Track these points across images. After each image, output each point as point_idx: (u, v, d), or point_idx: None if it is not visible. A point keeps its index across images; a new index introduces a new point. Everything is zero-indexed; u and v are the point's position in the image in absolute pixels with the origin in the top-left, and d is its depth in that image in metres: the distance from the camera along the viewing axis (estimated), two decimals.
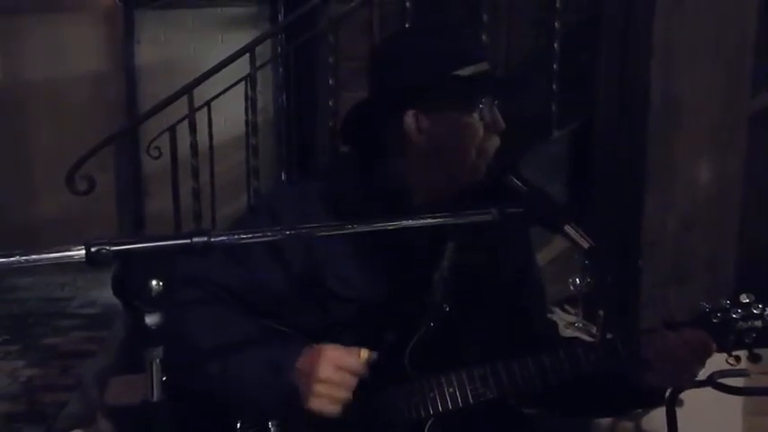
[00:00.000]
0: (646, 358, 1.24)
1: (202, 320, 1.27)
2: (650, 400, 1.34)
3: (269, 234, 0.95)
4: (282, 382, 1.18)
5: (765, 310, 1.27)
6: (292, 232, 0.97)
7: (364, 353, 1.18)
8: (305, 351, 1.19)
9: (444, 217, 1.27)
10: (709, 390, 1.61)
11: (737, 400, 2.04)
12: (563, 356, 1.25)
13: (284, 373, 1.18)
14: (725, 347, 1.28)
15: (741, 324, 1.27)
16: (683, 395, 1.65)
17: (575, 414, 1.54)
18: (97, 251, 0.76)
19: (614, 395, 1.34)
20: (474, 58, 1.32)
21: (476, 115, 1.29)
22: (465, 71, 1.30)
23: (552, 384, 1.25)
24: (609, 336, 1.30)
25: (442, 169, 1.34)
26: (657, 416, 1.69)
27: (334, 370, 1.16)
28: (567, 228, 1.12)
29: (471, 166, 1.32)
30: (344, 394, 1.16)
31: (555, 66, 2.65)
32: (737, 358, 1.28)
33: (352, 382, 1.17)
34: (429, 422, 1.25)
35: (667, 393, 1.35)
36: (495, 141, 1.32)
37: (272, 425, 1.23)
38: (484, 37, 2.54)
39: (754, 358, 1.29)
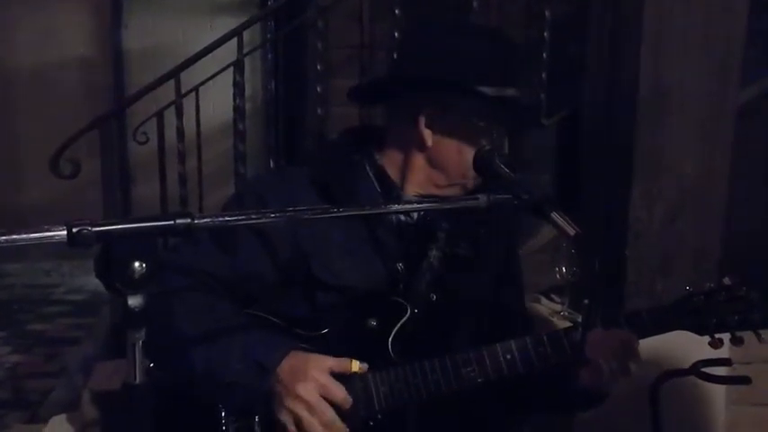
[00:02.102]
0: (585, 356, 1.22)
1: (190, 309, 1.26)
2: (589, 400, 1.35)
3: (253, 217, 0.94)
4: (261, 386, 1.17)
5: (748, 293, 1.27)
6: (277, 215, 0.96)
7: (355, 364, 1.18)
8: (290, 355, 1.18)
9: (434, 203, 1.27)
10: (692, 379, 1.62)
11: (720, 390, 2.05)
12: (547, 341, 1.25)
13: (264, 376, 1.17)
14: (708, 330, 1.28)
15: (724, 307, 1.27)
16: (666, 384, 1.66)
17: (513, 411, 1.52)
18: (78, 232, 0.75)
19: (557, 392, 1.35)
20: (504, 80, 1.29)
21: (485, 140, 1.29)
22: (489, 90, 1.27)
23: (536, 370, 1.25)
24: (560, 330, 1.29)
25: (434, 173, 1.34)
26: (641, 404, 1.70)
27: (315, 395, 1.15)
28: (554, 214, 1.12)
29: (461, 180, 1.32)
30: (313, 425, 1.14)
31: (545, 55, 2.65)
32: (720, 341, 1.28)
33: (329, 415, 1.15)
34: (412, 409, 1.25)
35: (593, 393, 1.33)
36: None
37: (257, 417, 1.22)
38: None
39: (736, 341, 1.28)
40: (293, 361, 1.17)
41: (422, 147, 1.32)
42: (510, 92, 1.29)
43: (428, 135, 1.31)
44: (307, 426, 1.15)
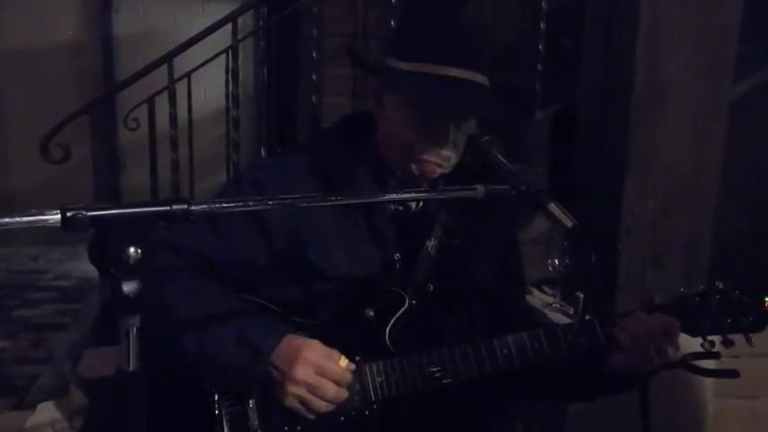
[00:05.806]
0: (620, 341, 1.24)
1: (180, 289, 1.25)
2: (620, 385, 1.34)
3: (250, 204, 0.93)
4: (257, 369, 1.17)
5: (741, 297, 1.29)
6: (275, 203, 0.95)
7: (343, 360, 1.17)
8: (284, 341, 1.17)
9: (430, 192, 1.26)
10: (680, 371, 1.63)
11: (708, 382, 2.07)
12: (543, 336, 1.25)
13: (259, 359, 1.16)
14: (700, 332, 1.29)
15: (716, 309, 1.28)
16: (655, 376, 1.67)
17: (543, 398, 1.53)
18: (73, 216, 0.74)
19: (586, 379, 1.34)
20: (421, 56, 1.24)
21: (417, 115, 1.25)
22: (403, 65, 1.25)
23: (531, 365, 1.25)
24: (587, 317, 1.29)
25: (387, 151, 1.33)
26: (630, 396, 1.71)
27: (313, 374, 1.14)
28: (552, 206, 1.11)
29: (400, 160, 1.30)
30: (319, 402, 1.15)
31: (541, 46, 2.64)
32: (712, 343, 1.29)
33: (332, 390, 1.15)
34: (407, 400, 1.24)
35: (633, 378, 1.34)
36: (434, 151, 1.26)
37: (251, 401, 1.22)
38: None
39: (727, 343, 1.29)
40: (287, 346, 1.17)
41: (378, 121, 1.34)
42: (431, 69, 1.23)
43: (377, 107, 1.33)
44: (312, 405, 1.15)
